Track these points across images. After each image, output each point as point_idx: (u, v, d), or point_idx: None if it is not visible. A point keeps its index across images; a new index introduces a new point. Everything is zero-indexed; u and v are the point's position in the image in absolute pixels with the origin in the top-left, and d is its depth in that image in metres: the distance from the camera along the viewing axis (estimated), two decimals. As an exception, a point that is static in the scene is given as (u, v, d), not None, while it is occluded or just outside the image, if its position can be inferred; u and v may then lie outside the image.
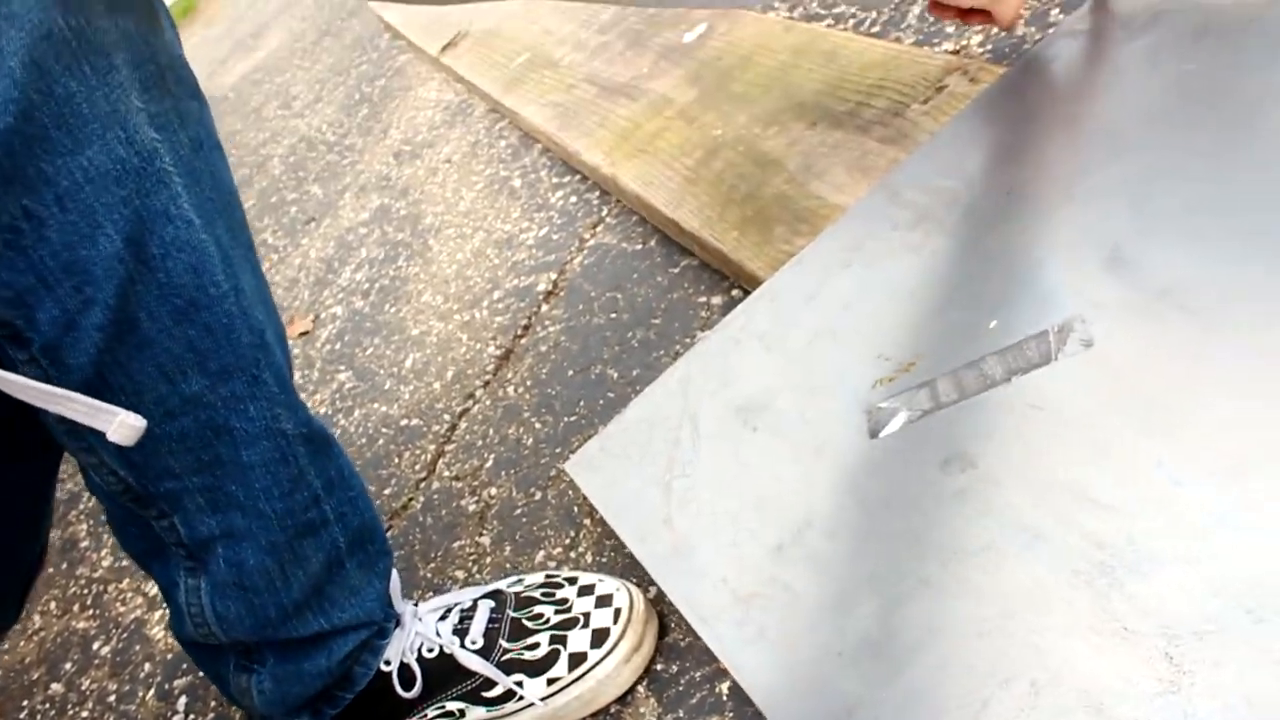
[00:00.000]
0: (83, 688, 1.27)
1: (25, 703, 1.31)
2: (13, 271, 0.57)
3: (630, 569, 0.86)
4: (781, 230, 1.01)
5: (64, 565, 1.57)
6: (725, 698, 0.73)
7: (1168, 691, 0.52)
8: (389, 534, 1.12)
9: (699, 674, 0.76)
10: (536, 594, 0.83)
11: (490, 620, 0.81)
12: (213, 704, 1.09)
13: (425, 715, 0.80)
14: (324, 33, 3.56)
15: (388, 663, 0.80)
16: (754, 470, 0.79)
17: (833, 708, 0.63)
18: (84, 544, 1.58)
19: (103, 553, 1.51)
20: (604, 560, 0.89)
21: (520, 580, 0.86)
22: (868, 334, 0.82)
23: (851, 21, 1.38)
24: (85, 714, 1.21)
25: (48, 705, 1.28)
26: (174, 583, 0.75)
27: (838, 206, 0.99)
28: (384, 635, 0.81)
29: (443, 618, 0.83)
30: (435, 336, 1.41)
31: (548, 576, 0.85)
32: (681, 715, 0.75)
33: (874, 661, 0.63)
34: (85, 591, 1.46)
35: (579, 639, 0.79)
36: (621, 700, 0.79)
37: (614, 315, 1.18)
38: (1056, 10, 1.14)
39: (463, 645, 0.80)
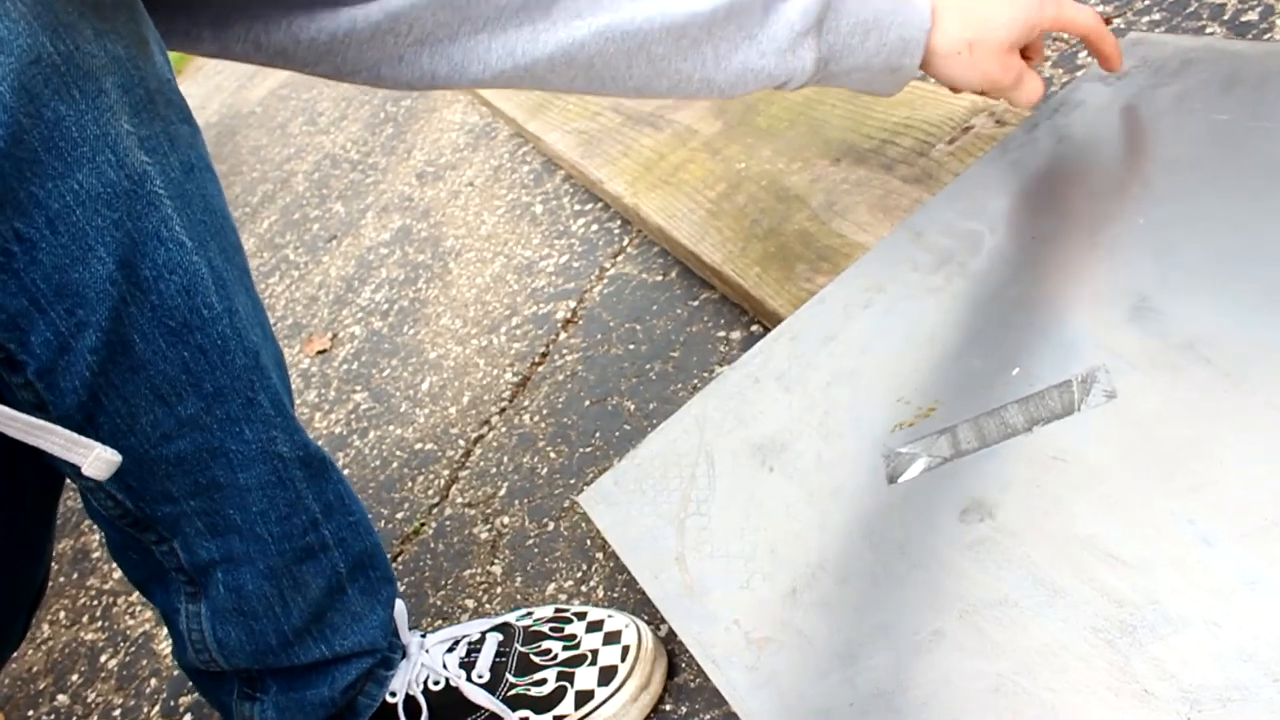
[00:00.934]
0: (88, 700, 1.26)
1: (31, 712, 1.31)
2: (5, 294, 0.57)
3: (642, 606, 0.85)
4: (803, 268, 1.00)
5: (75, 575, 1.57)
6: (734, 742, 0.73)
7: (1187, 758, 0.51)
8: (399, 559, 1.11)
9: (708, 716, 0.75)
10: (545, 628, 0.82)
11: (498, 654, 0.81)
12: (217, 721, 1.09)
13: (430, 749, 0.80)
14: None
15: (393, 694, 0.79)
16: (769, 511, 0.78)
17: (843, 759, 0.62)
18: (95, 555, 1.57)
19: (113, 565, 1.51)
20: (615, 595, 0.88)
21: (529, 614, 0.85)
22: (888, 377, 0.82)
23: (878, 58, 1.38)
24: (90, 728, 1.21)
25: (53, 716, 1.28)
26: (175, 609, 0.74)
27: (860, 245, 0.98)
28: (389, 666, 0.80)
29: (450, 649, 0.82)
30: (453, 360, 1.41)
31: (557, 610, 0.85)
32: (689, 758, 0.74)
33: (886, 713, 0.62)
34: (95, 603, 1.46)
35: (586, 676, 0.78)
36: (628, 740, 0.78)
37: (632, 346, 1.17)
38: (1084, 54, 1.14)
39: (469, 679, 0.79)
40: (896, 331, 0.85)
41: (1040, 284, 0.80)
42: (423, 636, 0.83)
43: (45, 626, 1.49)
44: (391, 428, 1.36)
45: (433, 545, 1.10)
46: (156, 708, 1.17)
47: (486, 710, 0.78)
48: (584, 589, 0.91)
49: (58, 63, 0.56)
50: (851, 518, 0.74)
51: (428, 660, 0.81)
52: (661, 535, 0.82)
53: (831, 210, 1.05)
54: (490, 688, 0.79)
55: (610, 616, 0.81)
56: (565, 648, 0.80)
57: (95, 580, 1.53)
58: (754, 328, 1.07)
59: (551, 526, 1.01)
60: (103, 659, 1.33)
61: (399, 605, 0.82)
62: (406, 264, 1.77)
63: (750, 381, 0.89)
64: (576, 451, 1.08)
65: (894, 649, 0.65)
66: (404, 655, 0.81)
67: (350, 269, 1.92)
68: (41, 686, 1.35)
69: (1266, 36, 0.97)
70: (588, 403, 1.14)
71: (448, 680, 0.80)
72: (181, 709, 1.14)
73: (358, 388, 1.51)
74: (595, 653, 0.79)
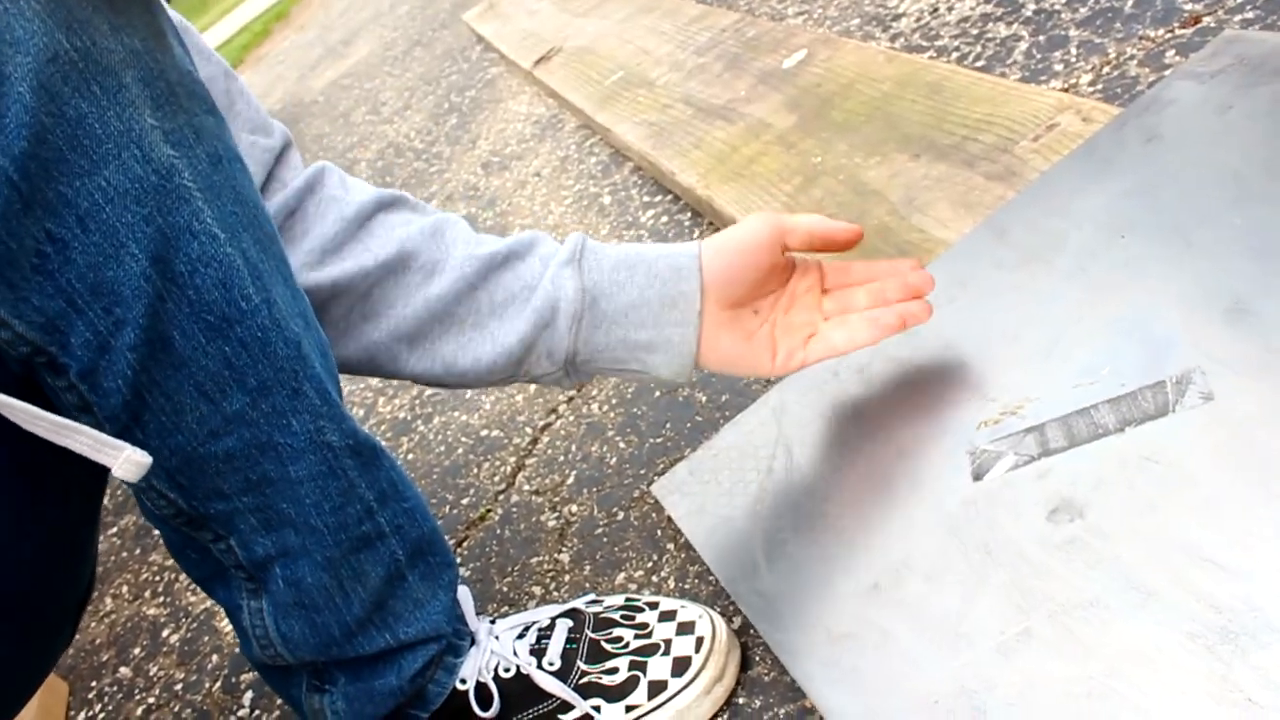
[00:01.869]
0: (150, 673, 1.28)
1: (94, 683, 1.33)
2: (42, 296, 0.57)
3: (714, 598, 0.85)
4: (882, 262, 0.99)
5: (137, 551, 1.59)
6: (809, 737, 0.72)
7: (1293, 769, 0.50)
8: (464, 544, 1.11)
9: (783, 711, 0.74)
10: (616, 616, 0.82)
11: (568, 640, 0.80)
12: (278, 700, 1.09)
13: (501, 735, 0.79)
14: (415, 42, 3.60)
15: (464, 681, 0.79)
16: (849, 507, 0.77)
17: (927, 757, 0.61)
18: (156, 532, 1.59)
19: (176, 542, 1.52)
20: (686, 587, 0.88)
21: (599, 601, 0.85)
22: (972, 373, 0.80)
23: (955, 55, 1.36)
24: (152, 700, 1.22)
25: (115, 688, 1.29)
26: (237, 605, 0.74)
27: (941, 241, 0.97)
28: (458, 653, 0.80)
29: (520, 635, 0.82)
30: (519, 349, 1.41)
31: (628, 599, 0.84)
32: (762, 752, 0.73)
33: (971, 713, 0.61)
34: (157, 579, 1.48)
35: (659, 666, 0.77)
36: (700, 732, 0.78)
37: (703, 338, 1.17)
38: (1172, 52, 1.11)
39: (540, 666, 0.79)
40: (980, 328, 0.84)
41: (1130, 283, 0.78)
42: (491, 623, 0.83)
43: (108, 600, 1.51)
44: (456, 414, 1.36)
45: (499, 531, 1.10)
46: (218, 684, 1.18)
47: (558, 698, 0.78)
48: (655, 579, 0.91)
49: (75, 59, 0.56)
50: (935, 514, 0.73)
51: (498, 647, 0.81)
52: (738, 527, 0.82)
53: (911, 205, 1.04)
54: (561, 675, 0.78)
55: (683, 607, 0.81)
56: (637, 636, 0.80)
57: (158, 556, 1.55)
58: (828, 322, 1.06)
59: (621, 516, 1.00)
60: (164, 634, 1.34)
61: (464, 591, 0.82)
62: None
63: (829, 374, 0.89)
64: (647, 442, 1.08)
65: (980, 648, 0.64)
66: (473, 642, 0.81)
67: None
68: (104, 659, 1.37)
69: (1367, 37, 0.95)
70: (658, 394, 1.13)
71: (518, 668, 0.79)
72: (242, 685, 1.15)
73: (422, 374, 1.51)
74: (668, 642, 0.78)
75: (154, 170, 0.59)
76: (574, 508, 1.06)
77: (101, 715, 1.27)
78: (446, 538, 0.86)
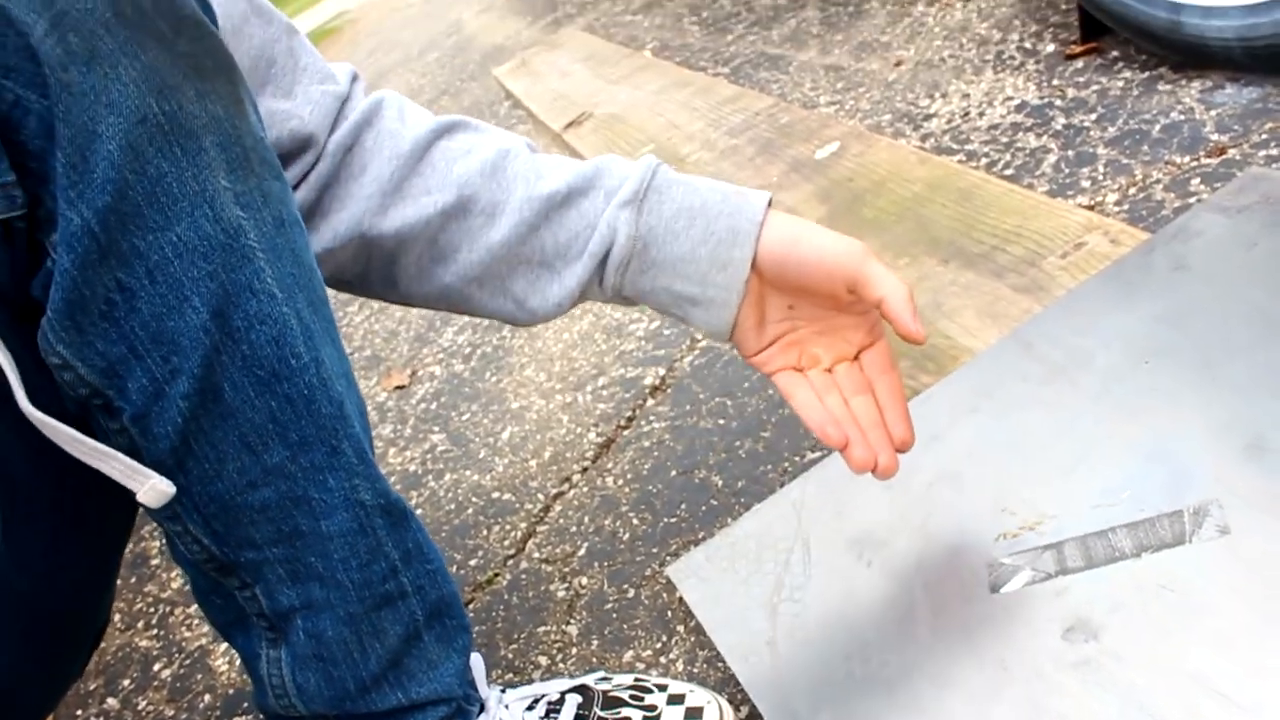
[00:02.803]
0: (139, 707, 1.27)
1: (80, 712, 1.32)
2: (107, 341, 0.60)
3: (723, 684, 0.86)
4: (907, 365, 1.01)
5: (133, 580, 1.59)
6: (812, 834, 0.73)
7: None
8: (471, 605, 1.12)
9: (787, 805, 0.75)
10: (625, 695, 0.83)
11: (577, 716, 0.81)
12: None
13: (506, 805, 0.80)
14: (443, 91, 3.65)
15: (472, 746, 0.80)
16: (866, 606, 0.79)
17: None
18: (154, 562, 1.59)
19: (173, 573, 1.52)
20: (695, 671, 0.89)
21: (609, 678, 0.85)
22: (993, 485, 0.82)
23: (984, 160, 1.40)
24: (140, 736, 1.22)
25: (102, 719, 1.29)
26: (256, 654, 0.75)
27: (966, 349, 0.99)
28: (466, 717, 0.81)
29: (529, 708, 0.83)
30: (535, 413, 1.42)
31: (637, 679, 0.85)
32: (764, 845, 0.74)
33: (980, 826, 0.62)
34: (151, 610, 1.48)
35: (666, 749, 0.78)
36: (702, 819, 0.78)
37: (722, 421, 1.19)
38: (1197, 180, 1.15)
39: (549, 739, 0.80)
40: (1003, 440, 0.86)
41: (1154, 409, 0.81)
42: (502, 691, 0.84)
43: (99, 628, 1.50)
44: (468, 473, 1.37)
45: (506, 597, 1.11)
46: (210, 725, 1.18)
47: (564, 773, 0.79)
48: (663, 660, 0.92)
49: (162, 122, 0.59)
50: (951, 623, 0.74)
51: (507, 716, 0.81)
52: (753, 617, 0.83)
53: (938, 310, 1.06)
54: (569, 750, 0.79)
55: (692, 691, 0.82)
56: (645, 717, 0.81)
57: (153, 587, 1.55)
58: (848, 417, 1.07)
59: (632, 593, 1.01)
60: (156, 667, 1.34)
61: (476, 658, 0.83)
62: (491, 311, 1.80)
63: (851, 473, 0.90)
64: (661, 520, 1.09)
65: (991, 762, 0.65)
66: (482, 709, 0.82)
67: (433, 309, 1.94)
68: (92, 687, 1.36)
69: (1391, 186, 0.98)
70: (674, 472, 1.15)
71: (526, 738, 0.80)
72: (235, 729, 1.15)
73: (435, 428, 1.53)
74: (676, 727, 0.79)
75: (223, 229, 0.62)
76: (584, 580, 1.07)
77: (88, 747, 1.26)
78: (457, 600, 0.87)
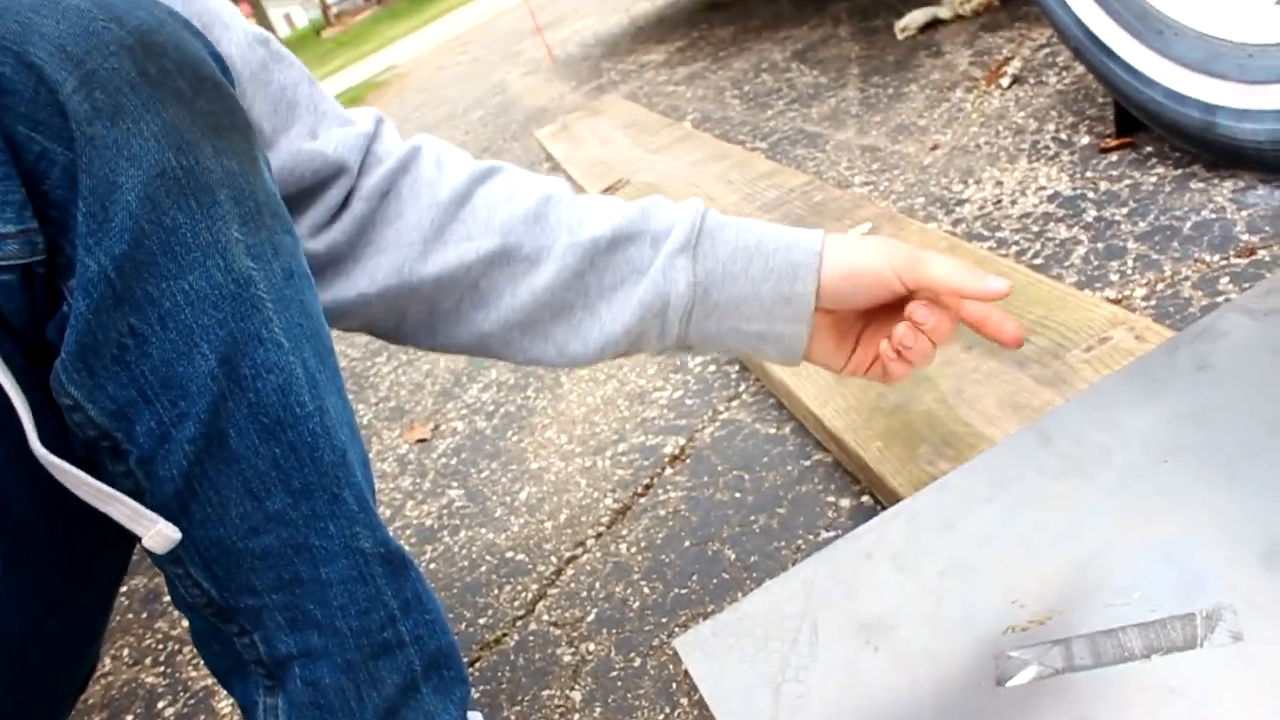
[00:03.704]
0: (141, 746, 1.28)
1: (82, 746, 1.33)
2: (117, 385, 0.62)
3: (723, 762, 0.85)
4: (926, 450, 1.01)
5: (144, 615, 1.59)
6: None
7: None
8: (477, 664, 1.12)
9: None
10: (624, 767, 0.82)
11: (576, 785, 0.81)
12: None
13: None
14: (485, 149, 3.71)
15: (468, 806, 0.80)
16: (870, 692, 0.78)
17: None
18: (167, 598, 1.60)
19: (185, 614, 1.53)
20: (696, 746, 0.88)
21: (609, 748, 0.85)
22: (1004, 576, 0.82)
23: (1014, 248, 1.40)
24: (140, 776, 1.22)
25: (103, 756, 1.29)
26: (253, 702, 0.76)
27: (985, 438, 0.99)
28: (464, 773, 0.81)
29: (529, 772, 0.82)
30: (554, 475, 1.43)
31: (638, 751, 0.85)
32: None
33: None
34: (160, 646, 1.48)
35: (662, 825, 0.78)
36: None
37: (738, 495, 1.19)
38: (1226, 279, 1.15)
39: (546, 805, 0.79)
40: (1017, 532, 0.85)
41: (1171, 510, 0.80)
42: (502, 754, 0.84)
43: (107, 660, 1.51)
44: (484, 530, 1.38)
45: (513, 658, 1.11)
46: (211, 769, 1.18)
47: (558, 841, 0.78)
48: (665, 733, 0.91)
49: (180, 176, 0.62)
50: (956, 714, 0.73)
51: (507, 779, 0.81)
52: (756, 695, 0.83)
53: (960, 397, 1.06)
54: (565, 819, 0.79)
55: (692, 767, 0.81)
56: (644, 792, 0.80)
57: (164, 624, 1.55)
58: (864, 498, 1.07)
59: (638, 662, 1.01)
60: (160, 705, 1.34)
61: (477, 717, 0.83)
62: (518, 370, 1.81)
63: (863, 556, 0.90)
64: (671, 591, 1.09)
65: None
66: (480, 766, 0.82)
67: (460, 364, 1.96)
68: (96, 722, 1.37)
69: None
70: (687, 543, 1.15)
71: (524, 804, 0.80)
72: (236, 776, 1.15)
73: (454, 484, 1.54)
74: (674, 803, 0.79)
75: (234, 279, 0.64)
76: (591, 646, 1.07)
77: (88, 783, 1.26)
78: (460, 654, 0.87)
